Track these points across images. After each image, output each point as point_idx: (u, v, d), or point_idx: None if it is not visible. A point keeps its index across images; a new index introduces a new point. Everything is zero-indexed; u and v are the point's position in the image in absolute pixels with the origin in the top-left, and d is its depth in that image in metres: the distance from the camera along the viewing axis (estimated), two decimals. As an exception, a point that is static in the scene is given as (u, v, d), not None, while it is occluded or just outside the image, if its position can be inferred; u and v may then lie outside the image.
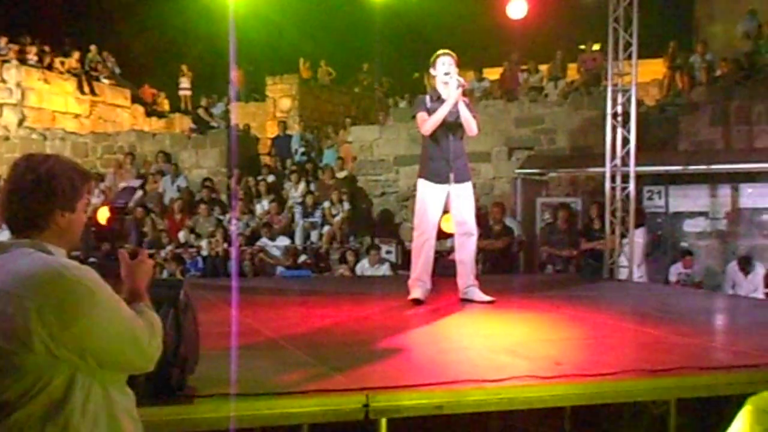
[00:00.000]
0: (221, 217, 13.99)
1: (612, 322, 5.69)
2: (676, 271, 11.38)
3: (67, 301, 1.99)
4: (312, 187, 14.91)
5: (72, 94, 18.94)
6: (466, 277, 6.44)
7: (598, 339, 4.88)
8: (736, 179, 12.12)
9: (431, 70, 6.41)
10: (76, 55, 19.27)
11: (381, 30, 21.45)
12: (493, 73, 17.03)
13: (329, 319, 5.52)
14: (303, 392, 3.31)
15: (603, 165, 10.54)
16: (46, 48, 18.73)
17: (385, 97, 20.15)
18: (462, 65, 6.51)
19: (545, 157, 13.74)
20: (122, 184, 13.60)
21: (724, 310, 7.08)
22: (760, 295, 9.96)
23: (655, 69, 15.65)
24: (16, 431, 1.98)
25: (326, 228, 13.86)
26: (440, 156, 6.33)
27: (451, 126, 6.30)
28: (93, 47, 19.89)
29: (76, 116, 18.86)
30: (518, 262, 12.09)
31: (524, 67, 16.29)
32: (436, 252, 6.70)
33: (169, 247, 12.78)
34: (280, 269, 12.52)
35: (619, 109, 9.90)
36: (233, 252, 12.33)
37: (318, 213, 14.13)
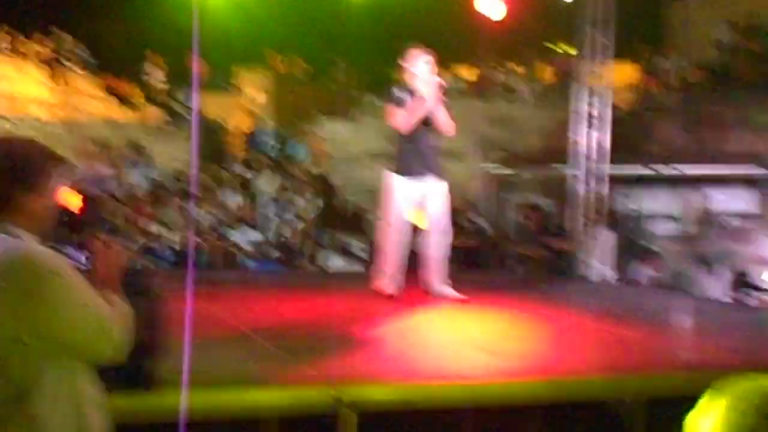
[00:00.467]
0: (192, 210, 13.88)
1: (581, 322, 5.73)
2: (643, 272, 11.48)
3: (33, 285, 1.95)
4: (285, 181, 14.85)
5: (44, 83, 18.70)
6: (438, 274, 6.45)
7: (567, 338, 4.92)
8: (706, 183, 12.27)
9: (406, 65, 6.39)
10: (51, 43, 19.03)
11: (356, 26, 21.45)
12: (467, 72, 17.07)
13: (300, 312, 5.51)
14: (273, 385, 3.29)
15: (575, 166, 10.62)
16: (20, 36, 18.47)
17: (358, 92, 20.10)
18: (437, 63, 6.49)
19: (517, 156, 13.80)
20: (93, 173, 13.47)
21: (691, 312, 7.15)
22: (726, 299, 10.07)
23: (626, 72, 15.77)
24: None
25: (298, 223, 13.81)
26: (415, 152, 6.32)
27: (426, 123, 6.29)
28: (68, 36, 19.64)
29: (50, 105, 18.63)
30: (488, 260, 12.12)
31: (498, 66, 16.34)
32: (411, 251, 6.68)
33: (139, 239, 12.67)
34: (250, 263, 12.46)
35: (595, 111, 9.97)
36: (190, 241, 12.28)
37: (290, 208, 14.08)
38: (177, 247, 12.96)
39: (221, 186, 14.78)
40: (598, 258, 10.65)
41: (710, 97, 12.81)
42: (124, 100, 20.65)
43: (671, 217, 12.63)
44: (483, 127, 14.20)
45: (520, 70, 16.20)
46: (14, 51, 18.15)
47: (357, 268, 11.66)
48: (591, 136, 10.09)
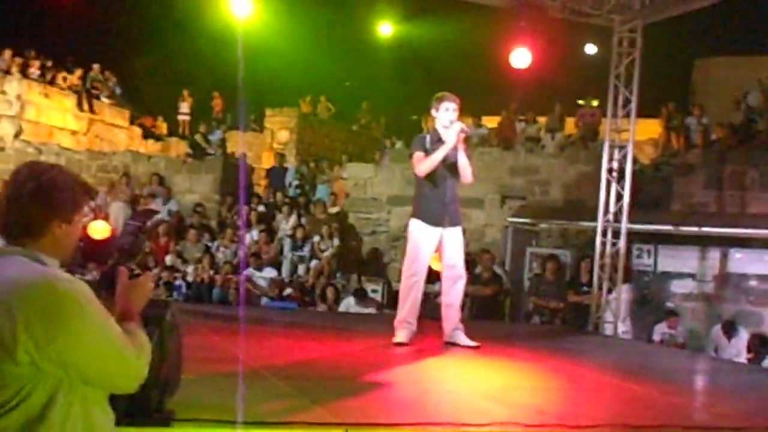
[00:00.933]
0: (209, 244, 13.96)
1: (595, 376, 5.68)
2: (660, 330, 11.36)
3: (54, 312, 1.96)
4: (303, 220, 14.91)
5: (71, 111, 18.98)
6: (452, 320, 6.41)
7: (580, 391, 4.87)
8: (726, 243, 12.17)
9: (433, 111, 6.43)
10: (79, 72, 19.35)
11: (383, 70, 21.71)
12: (491, 121, 17.15)
13: (312, 352, 5.49)
14: (283, 423, 3.27)
15: (594, 219, 10.60)
16: (49, 63, 18.80)
17: (382, 136, 20.27)
18: (461, 111, 6.53)
19: (538, 207, 13.79)
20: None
21: (707, 372, 7.08)
22: (743, 360, 9.94)
23: (650, 129, 15.79)
24: None
25: (314, 262, 13.83)
26: (436, 198, 6.33)
27: (449, 169, 6.32)
28: (96, 66, 19.98)
29: (73, 133, 18.89)
30: (504, 310, 12.07)
31: (522, 117, 16.41)
32: (424, 294, 6.67)
33: (155, 270, 12.73)
34: (264, 300, 12.47)
35: (615, 164, 9.98)
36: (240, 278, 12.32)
37: (307, 247, 14.12)
38: (190, 280, 13.02)
39: (242, 222, 14.86)
40: (615, 313, 10.58)
41: (732, 156, 12.79)
42: (148, 132, 20.94)
43: (690, 276, 12.53)
44: (505, 176, 14.22)
45: (543, 120, 16.26)
46: (44, 78, 18.46)
47: (370, 309, 11.63)
48: (613, 190, 10.07)
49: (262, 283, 12.86)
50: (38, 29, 20.04)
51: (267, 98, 19.94)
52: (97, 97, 19.73)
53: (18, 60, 18.10)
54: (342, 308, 11.56)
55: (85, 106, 19.22)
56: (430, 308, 7.61)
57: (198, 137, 17.50)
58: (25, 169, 2.17)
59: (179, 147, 19.31)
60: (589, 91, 15.73)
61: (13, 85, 17.70)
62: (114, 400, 2.25)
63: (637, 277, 12.40)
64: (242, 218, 14.59)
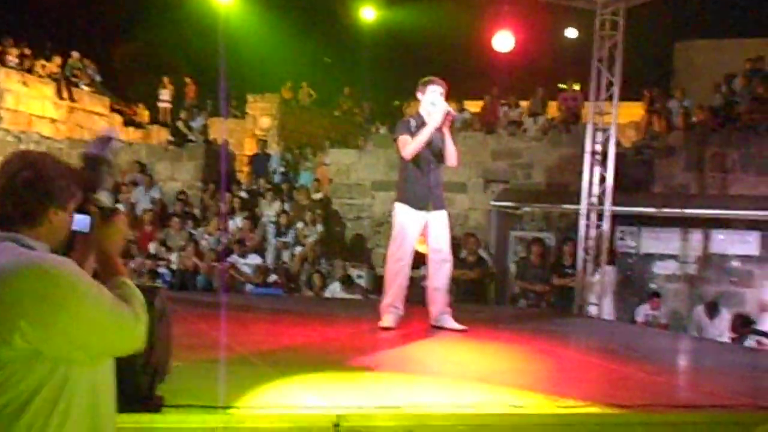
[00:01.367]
0: (193, 231, 13.91)
1: (581, 357, 5.73)
2: (643, 311, 11.45)
3: (51, 295, 1.97)
4: (286, 206, 14.88)
5: (50, 99, 18.82)
6: (439, 304, 6.43)
7: (567, 372, 4.91)
8: (708, 225, 12.28)
9: (418, 95, 6.43)
10: (58, 60, 19.16)
11: (364, 56, 21.63)
12: (473, 106, 17.16)
13: (300, 338, 5.50)
14: (274, 407, 3.28)
15: (577, 202, 10.65)
16: (28, 51, 18.61)
17: (365, 122, 20.24)
18: (447, 95, 6.52)
19: (521, 191, 13.84)
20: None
21: (691, 352, 7.16)
22: (725, 340, 10.05)
23: (632, 112, 15.87)
24: None
25: (298, 248, 13.82)
26: (421, 182, 6.33)
27: (434, 152, 6.33)
28: (75, 53, 19.79)
29: (53, 121, 18.73)
30: (489, 294, 12.12)
31: (505, 101, 16.43)
32: (409, 278, 6.67)
33: (138, 258, 12.67)
34: (249, 287, 12.45)
35: (598, 147, 10.02)
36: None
37: (291, 233, 14.10)
38: (175, 267, 12.97)
39: (225, 209, 14.81)
40: (599, 295, 10.65)
41: (713, 138, 12.88)
42: (128, 120, 20.81)
43: (672, 257, 12.63)
44: (488, 160, 14.25)
45: (525, 104, 16.28)
46: (21, 66, 18.27)
47: (355, 295, 11.64)
48: (596, 173, 10.12)
49: (247, 270, 12.83)
50: (16, 17, 19.84)
51: (248, 84, 19.85)
52: (77, 85, 19.56)
53: (-5, 48, 17.91)
54: (328, 294, 11.57)
55: (65, 94, 19.05)
56: (415, 293, 7.63)
57: (179, 124, 17.39)
58: (17, 158, 2.17)
59: (160, 134, 19.19)
60: (570, 75, 15.77)
61: (-9, 73, 17.53)
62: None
63: (621, 259, 12.48)
64: (223, 204, 14.54)
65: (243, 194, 15.44)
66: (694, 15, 18.98)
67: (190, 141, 16.85)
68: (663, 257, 12.73)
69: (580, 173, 10.75)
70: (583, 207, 10.22)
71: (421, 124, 6.29)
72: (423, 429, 3.36)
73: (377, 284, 12.89)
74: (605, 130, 10.11)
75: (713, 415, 3.84)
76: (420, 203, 6.31)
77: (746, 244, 12.26)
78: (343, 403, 3.37)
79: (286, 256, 13.83)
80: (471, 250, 11.32)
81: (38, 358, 1.98)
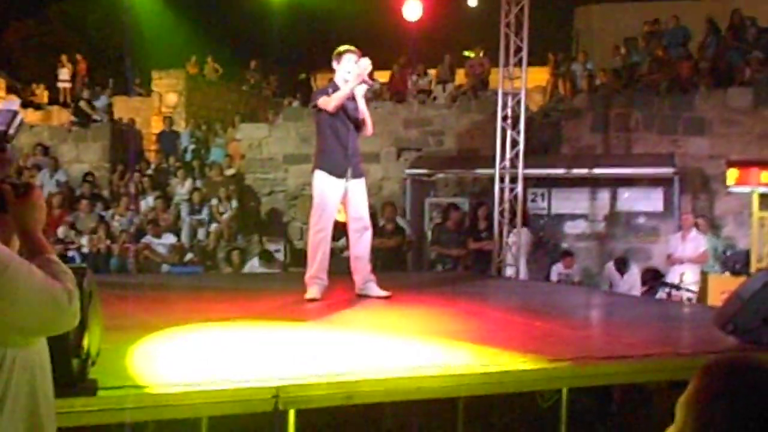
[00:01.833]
0: (103, 213, 13.58)
1: (504, 316, 5.85)
2: (557, 270, 11.77)
3: None
4: (199, 184, 14.66)
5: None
6: (362, 272, 6.46)
7: (493, 332, 5.01)
8: (614, 183, 12.68)
9: (334, 64, 6.40)
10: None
11: (269, 29, 21.35)
12: (382, 76, 17.16)
13: (226, 314, 5.44)
14: (211, 383, 3.25)
15: (489, 167, 10.81)
16: None
17: (273, 95, 20.02)
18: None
19: (433, 158, 13.98)
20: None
21: (607, 306, 7.40)
22: (636, 293, 10.42)
23: (537, 77, 16.16)
24: None
25: (213, 225, 13.66)
26: (339, 150, 6.33)
27: (351, 120, 6.33)
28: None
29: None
30: (408, 260, 12.24)
31: (413, 70, 16.50)
32: (330, 250, 6.67)
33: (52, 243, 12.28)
34: (165, 267, 12.26)
35: (509, 112, 10.19)
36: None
37: (205, 210, 13.92)
38: (86, 251, 12.66)
39: (135, 189, 14.50)
40: (514, 256, 10.88)
41: (617, 99, 13.25)
42: (26, 101, 20.04)
43: (582, 216, 12.99)
44: (399, 129, 14.32)
45: (433, 72, 16.39)
46: None
47: (274, 269, 11.59)
48: (508, 137, 10.29)
49: (162, 249, 12.63)
50: None
51: (152, 61, 19.35)
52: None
53: None
54: (246, 270, 11.48)
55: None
56: (336, 263, 7.65)
57: (82, 104, 16.86)
58: None
59: (62, 115, 18.56)
60: (475, 41, 15.92)
61: None
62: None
63: (533, 220, 12.78)
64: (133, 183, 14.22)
65: (149, 172, 15.14)
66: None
67: (95, 121, 16.38)
68: (573, 217, 13.09)
69: (490, 138, 10.91)
70: (497, 171, 10.39)
71: (335, 89, 6.29)
72: (362, 395, 3.39)
73: (295, 258, 12.88)
74: (515, 95, 10.28)
75: (641, 365, 4.00)
76: (339, 171, 6.31)
77: (651, 200, 12.71)
78: (281, 375, 3.37)
79: (201, 233, 13.65)
80: (389, 219, 11.39)
81: None
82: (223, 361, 3.75)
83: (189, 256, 12.75)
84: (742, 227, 12.13)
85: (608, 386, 5.51)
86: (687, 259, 10.61)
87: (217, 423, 3.49)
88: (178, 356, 3.91)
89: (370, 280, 6.44)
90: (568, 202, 13.08)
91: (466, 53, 16.73)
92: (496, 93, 11.66)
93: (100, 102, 17.18)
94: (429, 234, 12.54)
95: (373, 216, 10.74)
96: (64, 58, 19.35)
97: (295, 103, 17.11)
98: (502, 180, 10.55)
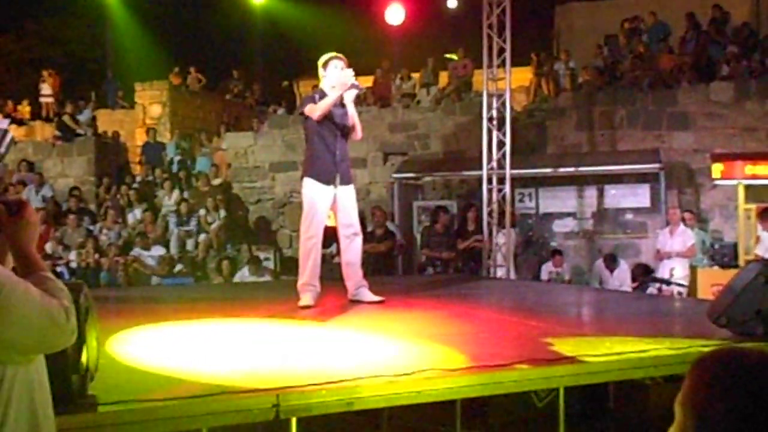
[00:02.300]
0: (91, 227, 13.53)
1: (499, 317, 5.88)
2: (547, 269, 11.82)
3: None
4: (186, 194, 14.62)
5: None
6: (354, 277, 6.46)
7: (489, 333, 5.03)
8: (601, 181, 12.74)
9: (321, 71, 6.41)
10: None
11: (251, 37, 21.34)
12: (365, 81, 17.17)
13: (222, 324, 5.44)
14: (212, 393, 3.25)
15: (476, 168, 10.84)
16: None
17: (256, 104, 20.00)
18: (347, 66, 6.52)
19: (420, 161, 14.01)
20: None
21: (599, 303, 7.44)
22: (627, 289, 10.48)
23: (520, 77, 16.21)
24: None
25: (202, 236, 13.63)
26: (327, 157, 6.33)
27: (339, 127, 6.34)
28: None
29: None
30: (398, 264, 12.26)
31: (396, 74, 16.53)
32: (321, 256, 6.67)
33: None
34: (155, 279, 12.22)
35: (494, 113, 10.22)
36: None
37: (193, 221, 13.88)
38: (74, 266, 12.61)
39: (122, 202, 14.45)
40: (503, 257, 10.90)
41: (600, 97, 13.32)
42: (8, 117, 19.91)
43: (570, 215, 13.04)
44: (385, 133, 14.35)
45: (417, 76, 16.42)
46: None
47: (264, 277, 11.57)
48: (494, 138, 10.33)
49: (151, 261, 12.59)
50: None
51: (135, 73, 19.30)
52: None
53: None
54: (237, 279, 11.46)
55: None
56: (327, 269, 7.65)
57: (66, 118, 16.79)
58: None
59: (45, 130, 18.47)
60: (457, 44, 15.96)
61: None
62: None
63: (521, 220, 12.82)
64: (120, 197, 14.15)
65: (138, 186, 15.11)
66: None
67: (78, 135, 16.31)
68: (561, 215, 13.14)
69: (475, 140, 10.94)
70: (484, 172, 10.42)
71: (323, 96, 6.31)
72: (362, 401, 3.40)
73: (285, 265, 12.87)
74: (499, 96, 10.32)
75: (637, 360, 4.02)
76: (327, 178, 6.31)
77: (638, 196, 12.79)
78: (281, 384, 3.37)
79: (190, 244, 13.61)
80: (379, 224, 11.40)
81: None
82: (221, 372, 3.74)
83: (178, 267, 12.71)
84: (728, 220, 12.22)
85: (604, 383, 5.54)
86: (675, 254, 10.67)
87: (218, 433, 3.49)
88: (176, 368, 3.90)
89: (362, 286, 6.44)
90: (555, 201, 13.14)
91: (449, 56, 16.76)
92: (480, 95, 11.72)
93: (84, 116, 17.11)
94: (418, 237, 12.56)
95: (362, 221, 10.78)
96: (45, 73, 19.28)
97: (280, 111, 17.11)
98: (489, 181, 10.58)
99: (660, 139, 12.74)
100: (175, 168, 16.16)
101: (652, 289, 9.81)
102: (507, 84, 10.32)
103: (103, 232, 13.34)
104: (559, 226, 13.14)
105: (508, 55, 10.20)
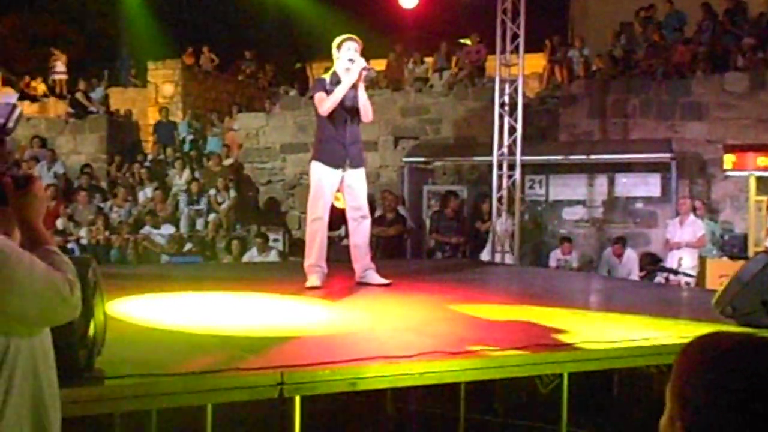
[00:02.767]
0: (102, 205, 13.59)
1: (505, 302, 5.88)
2: (555, 256, 11.82)
3: None
4: (197, 174, 14.66)
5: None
6: (362, 260, 6.47)
7: (494, 317, 5.04)
8: (612, 169, 12.70)
9: (334, 52, 6.40)
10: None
11: (265, 18, 21.28)
12: (378, 64, 17.15)
13: (229, 302, 5.48)
14: (216, 370, 3.28)
15: (487, 154, 10.83)
16: None
17: (269, 85, 19.99)
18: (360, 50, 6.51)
19: (431, 146, 14.00)
20: None
21: (607, 291, 7.44)
22: (635, 278, 10.47)
23: (533, 63, 16.14)
24: None
25: (212, 216, 13.67)
26: (336, 140, 6.33)
27: (349, 110, 6.33)
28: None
29: (-60, 98, 17.86)
30: (407, 248, 12.28)
31: (409, 58, 16.50)
32: (328, 239, 6.70)
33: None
34: (164, 257, 12.28)
35: (506, 99, 10.19)
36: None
37: (203, 200, 13.93)
38: (85, 242, 12.68)
39: (132, 180, 14.50)
40: (512, 243, 10.91)
41: (614, 85, 13.26)
42: (22, 93, 19.98)
43: (580, 203, 13.02)
44: (397, 117, 14.33)
45: (430, 60, 16.38)
46: None
47: (271, 256, 11.62)
48: (506, 124, 10.31)
49: (160, 240, 12.65)
50: None
51: (148, 51, 19.29)
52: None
53: None
54: (246, 259, 11.51)
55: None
56: (335, 252, 7.68)
57: (79, 95, 16.84)
58: None
59: (58, 107, 18.53)
60: (471, 29, 15.90)
61: None
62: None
63: (531, 206, 12.81)
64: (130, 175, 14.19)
65: (150, 164, 15.15)
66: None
67: (91, 112, 16.36)
68: (571, 203, 13.12)
69: (487, 126, 10.91)
70: (495, 158, 10.41)
71: (337, 82, 6.30)
72: (367, 382, 3.42)
73: (294, 247, 12.90)
74: (512, 82, 10.29)
75: (638, 348, 4.03)
76: (335, 161, 6.32)
77: (648, 186, 12.75)
78: (286, 363, 3.39)
79: (199, 224, 13.66)
80: (390, 208, 11.40)
81: None
82: (227, 349, 3.77)
83: (188, 246, 12.77)
84: (739, 211, 12.17)
85: (609, 370, 5.54)
86: (685, 244, 10.64)
87: (222, 410, 3.52)
88: (183, 345, 3.94)
89: (369, 268, 6.45)
90: (566, 189, 13.11)
91: (463, 41, 16.70)
92: (492, 80, 11.68)
93: (96, 93, 17.16)
94: (427, 222, 12.57)
95: (372, 204, 10.79)
96: (57, 50, 19.31)
97: (292, 92, 17.10)
98: (500, 167, 10.57)
99: (672, 129, 12.69)
100: (186, 147, 16.20)
101: (659, 279, 9.80)
102: (520, 70, 10.28)
103: (114, 210, 13.40)
104: (569, 214, 13.12)
105: (521, 41, 10.17)
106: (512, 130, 10.43)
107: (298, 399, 3.32)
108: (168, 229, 12.84)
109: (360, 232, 6.50)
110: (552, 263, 11.67)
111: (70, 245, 12.44)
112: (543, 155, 12.59)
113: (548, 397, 4.77)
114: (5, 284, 1.94)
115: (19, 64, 21.05)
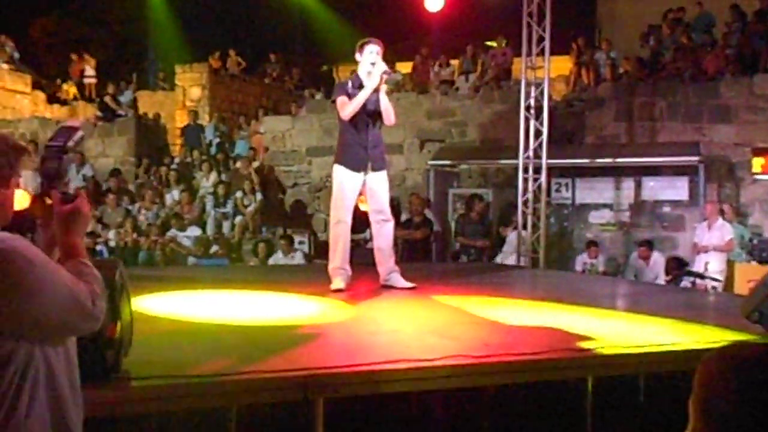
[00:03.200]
0: (130, 207, 13.72)
1: (530, 306, 5.86)
2: (581, 260, 11.75)
3: (4, 271, 1.92)
4: (223, 177, 14.76)
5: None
6: (386, 263, 6.47)
7: (519, 321, 5.02)
8: (639, 172, 12.61)
9: (357, 56, 6.41)
10: (-26, 38, 18.50)
11: (291, 21, 21.37)
12: (404, 67, 17.18)
13: (254, 304, 5.51)
14: (242, 373, 3.30)
15: (512, 157, 10.79)
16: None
17: (295, 88, 20.08)
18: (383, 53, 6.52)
19: (456, 149, 13.98)
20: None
21: (633, 295, 7.39)
22: (661, 282, 10.38)
23: (559, 66, 16.07)
24: None
25: (238, 218, 13.75)
26: (358, 143, 6.35)
27: (371, 114, 6.33)
28: (-9, 31, 19.11)
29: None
30: (433, 251, 12.26)
31: (435, 60, 16.49)
32: (353, 241, 6.71)
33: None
34: (191, 259, 12.37)
35: (532, 102, 10.16)
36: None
37: (230, 203, 14.02)
38: (113, 245, 12.80)
39: (160, 182, 14.62)
40: (537, 246, 10.86)
41: (641, 88, 13.17)
42: (52, 97, 20.23)
43: (607, 206, 12.93)
44: (422, 120, 14.33)
45: (456, 63, 16.37)
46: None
47: (298, 260, 11.66)
48: (532, 127, 10.27)
49: (187, 242, 12.74)
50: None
51: (175, 55, 19.47)
52: (-6, 63, 18.94)
53: None
54: (271, 262, 11.57)
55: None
56: (360, 255, 7.69)
57: (107, 99, 17.01)
58: None
59: (87, 110, 18.74)
60: (497, 31, 15.87)
61: None
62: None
63: (557, 210, 12.75)
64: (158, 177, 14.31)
65: (177, 167, 15.27)
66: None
67: (119, 116, 16.52)
68: (597, 206, 13.03)
69: (513, 129, 10.88)
70: (520, 161, 10.38)
71: (359, 85, 6.30)
72: (390, 384, 3.43)
73: (319, 249, 12.93)
74: (538, 85, 10.25)
75: (665, 353, 4.01)
76: (357, 165, 6.33)
77: (676, 189, 12.63)
78: (310, 365, 3.41)
79: (226, 226, 13.75)
80: (417, 211, 11.39)
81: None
82: (252, 351, 3.80)
83: (214, 248, 12.85)
84: (768, 215, 12.04)
85: (635, 375, 5.51)
86: (713, 248, 10.52)
87: (246, 412, 3.54)
88: (208, 346, 3.97)
89: (394, 271, 6.45)
90: (592, 192, 13.03)
91: (489, 43, 16.67)
92: (518, 83, 11.65)
93: (125, 97, 17.33)
94: (453, 225, 12.55)
95: (397, 207, 10.81)
96: (86, 55, 19.53)
97: (318, 96, 17.16)
98: (525, 170, 10.53)
99: (700, 132, 12.57)
100: (213, 150, 16.32)
101: (685, 283, 9.70)
102: (546, 73, 10.25)
103: (142, 212, 13.52)
104: (596, 218, 13.03)
105: (547, 43, 10.13)
106: (538, 133, 10.39)
107: (321, 401, 3.34)
108: (194, 232, 12.93)
109: (383, 235, 6.50)
110: (578, 267, 11.60)
111: (98, 247, 12.56)
112: (569, 158, 12.53)
113: (573, 400, 4.75)
114: (25, 290, 1.94)
115: (48, 67, 21.32)
